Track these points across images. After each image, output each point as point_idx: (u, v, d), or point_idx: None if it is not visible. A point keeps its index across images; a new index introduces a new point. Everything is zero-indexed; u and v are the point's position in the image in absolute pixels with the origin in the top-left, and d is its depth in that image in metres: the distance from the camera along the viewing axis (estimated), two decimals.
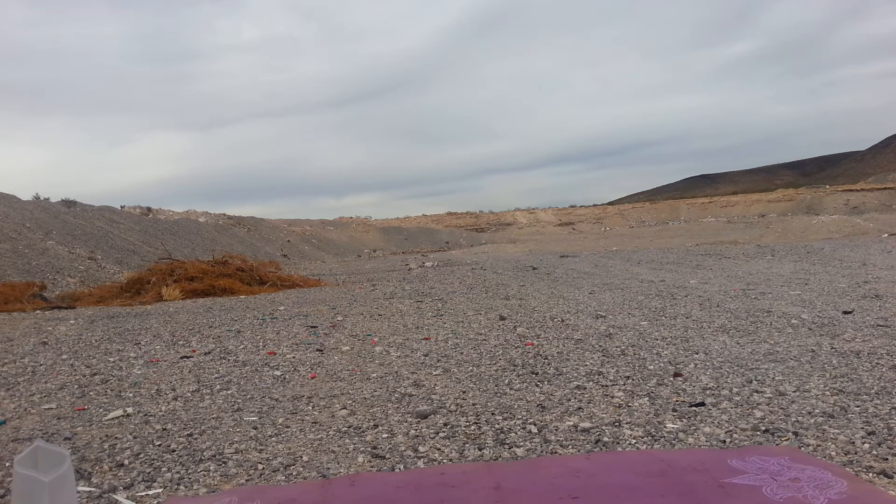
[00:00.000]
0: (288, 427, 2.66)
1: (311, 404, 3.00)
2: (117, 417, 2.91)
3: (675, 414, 2.55)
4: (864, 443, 2.11)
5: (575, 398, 2.86)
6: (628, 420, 2.50)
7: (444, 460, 2.17)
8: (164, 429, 2.69)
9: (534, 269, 11.86)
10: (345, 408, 2.90)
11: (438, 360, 3.85)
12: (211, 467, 2.22)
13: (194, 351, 4.62)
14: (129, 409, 3.02)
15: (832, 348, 3.58)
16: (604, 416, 2.58)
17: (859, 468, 1.89)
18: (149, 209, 27.53)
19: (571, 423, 2.49)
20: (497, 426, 2.50)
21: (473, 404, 2.84)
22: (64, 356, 4.59)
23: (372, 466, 2.16)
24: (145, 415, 2.94)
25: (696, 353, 3.65)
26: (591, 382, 3.13)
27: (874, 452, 2.01)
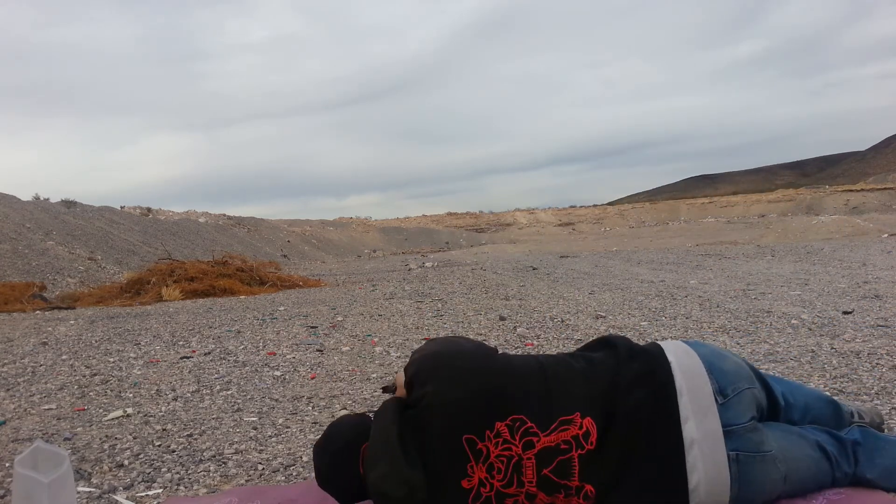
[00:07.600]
0: (288, 427, 2.66)
1: (311, 404, 3.00)
2: (117, 418, 2.91)
3: None
4: None
5: None
6: None
7: None
8: (164, 429, 2.69)
9: (534, 269, 11.85)
10: (345, 408, 2.90)
11: None
12: (211, 467, 2.22)
13: (194, 351, 4.62)
14: (129, 410, 3.02)
15: (832, 348, 3.58)
16: None
17: None
18: (149, 209, 27.54)
19: None
20: None
21: None
22: (64, 356, 4.59)
23: None
24: (145, 415, 2.94)
25: None
26: None
27: None
